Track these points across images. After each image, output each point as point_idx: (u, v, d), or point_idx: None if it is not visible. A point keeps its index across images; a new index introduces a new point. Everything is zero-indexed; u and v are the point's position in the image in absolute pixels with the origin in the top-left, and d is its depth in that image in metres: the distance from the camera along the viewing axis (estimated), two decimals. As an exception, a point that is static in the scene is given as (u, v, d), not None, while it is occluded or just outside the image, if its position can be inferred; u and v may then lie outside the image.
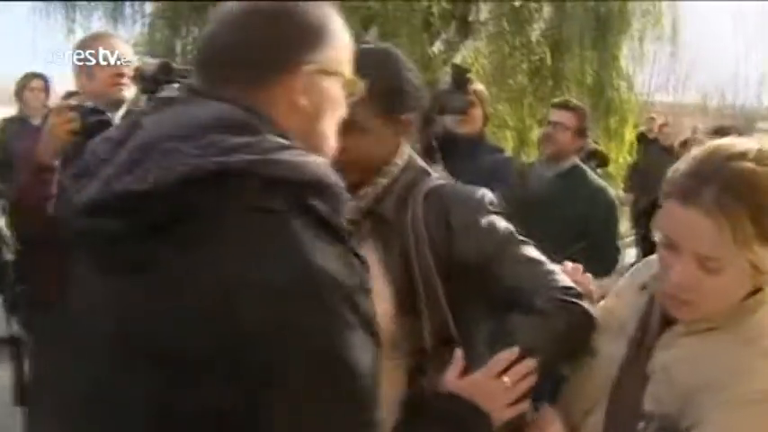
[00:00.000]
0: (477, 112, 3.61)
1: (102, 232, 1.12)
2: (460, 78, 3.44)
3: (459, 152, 3.22)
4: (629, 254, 9.65)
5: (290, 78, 1.21)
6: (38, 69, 6.72)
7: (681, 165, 1.47)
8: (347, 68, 1.30)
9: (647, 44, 11.81)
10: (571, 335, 1.66)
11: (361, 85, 1.34)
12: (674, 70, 17.06)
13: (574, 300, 1.67)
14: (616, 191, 12.28)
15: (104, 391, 1.10)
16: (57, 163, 2.62)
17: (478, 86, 3.69)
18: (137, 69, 2.74)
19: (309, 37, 1.23)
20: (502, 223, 1.74)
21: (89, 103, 2.77)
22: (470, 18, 11.13)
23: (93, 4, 10.74)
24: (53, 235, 2.62)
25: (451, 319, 1.73)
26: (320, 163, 1.16)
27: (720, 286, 1.44)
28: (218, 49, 1.24)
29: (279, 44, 1.21)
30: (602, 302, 1.76)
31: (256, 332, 1.03)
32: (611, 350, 1.61)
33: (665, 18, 11.59)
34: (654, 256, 1.66)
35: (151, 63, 2.70)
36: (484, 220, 1.71)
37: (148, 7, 10.96)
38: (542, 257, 1.74)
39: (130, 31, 10.95)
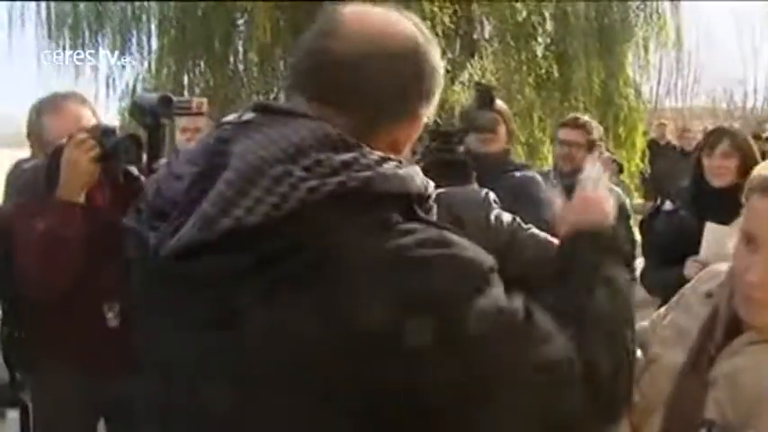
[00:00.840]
0: (502, 130, 3.52)
1: (213, 273, 1.05)
2: (486, 96, 3.41)
3: (485, 171, 3.20)
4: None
5: (408, 125, 1.20)
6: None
7: (764, 165, 1.48)
8: (430, 113, 1.26)
9: (652, 51, 11.84)
10: None
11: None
12: (681, 76, 17.05)
13: None
14: (630, 199, 12.29)
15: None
16: (82, 198, 2.48)
17: (501, 104, 3.62)
18: (134, 103, 2.67)
19: (434, 86, 1.20)
20: (507, 216, 1.84)
21: (102, 124, 2.63)
22: (475, 36, 11.17)
23: (99, 41, 10.84)
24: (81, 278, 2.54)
25: None
26: (419, 173, 1.15)
27: None
28: (339, 77, 1.14)
29: (408, 94, 1.18)
30: (661, 310, 1.76)
31: (438, 338, 1.00)
32: (673, 357, 1.58)
33: (668, 25, 11.62)
34: (717, 266, 1.66)
35: (150, 96, 2.63)
36: (492, 215, 1.82)
37: (155, 42, 11.06)
38: (549, 237, 1.84)
39: (138, 67, 11.07)
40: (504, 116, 3.52)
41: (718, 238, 3.12)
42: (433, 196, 1.18)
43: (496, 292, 1.07)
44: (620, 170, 9.80)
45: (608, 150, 9.52)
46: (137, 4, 10.91)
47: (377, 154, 1.09)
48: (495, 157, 3.41)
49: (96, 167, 2.48)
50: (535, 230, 1.90)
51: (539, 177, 3.49)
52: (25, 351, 2.80)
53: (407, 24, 1.19)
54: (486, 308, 1.04)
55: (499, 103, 3.53)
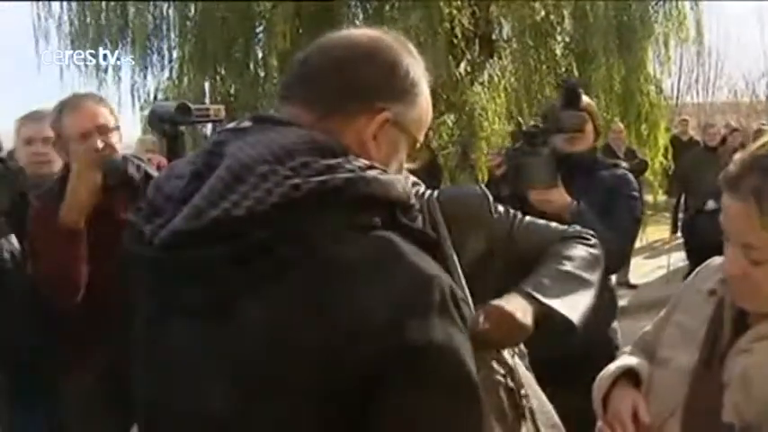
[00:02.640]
0: (590, 129, 3.36)
1: (198, 262, 1.10)
2: (572, 95, 3.29)
3: (573, 171, 3.14)
4: (675, 257, 9.57)
5: (367, 119, 1.23)
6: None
7: (735, 158, 1.48)
8: (419, 133, 1.32)
9: (673, 47, 11.77)
10: (595, 259, 1.93)
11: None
12: (703, 71, 16.92)
13: (587, 236, 1.97)
14: (654, 196, 12.23)
15: None
16: (81, 225, 2.61)
17: (588, 101, 3.47)
18: (152, 112, 2.69)
19: (397, 87, 1.26)
20: (500, 206, 1.96)
21: (110, 160, 2.71)
22: (493, 36, 11.16)
23: (120, 53, 10.93)
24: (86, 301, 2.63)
25: None
26: (404, 182, 1.20)
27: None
28: (305, 74, 1.26)
29: (367, 83, 1.24)
30: (662, 312, 1.75)
31: (385, 342, 1.05)
32: (682, 359, 1.57)
33: (688, 20, 11.55)
34: (715, 261, 1.67)
35: (167, 105, 2.65)
36: (492, 208, 1.89)
37: (176, 52, 11.12)
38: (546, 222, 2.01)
39: (159, 77, 11.15)
40: (591, 114, 3.39)
41: None
42: (417, 205, 1.23)
43: (449, 319, 1.11)
44: (645, 168, 9.76)
45: (629, 148, 9.49)
46: (157, 14, 10.99)
47: (362, 161, 1.15)
48: (584, 157, 3.31)
49: (97, 196, 2.61)
50: (530, 218, 2.00)
51: (630, 176, 3.40)
52: (54, 359, 2.84)
53: (375, 37, 1.29)
54: (438, 329, 1.08)
55: (586, 99, 3.43)
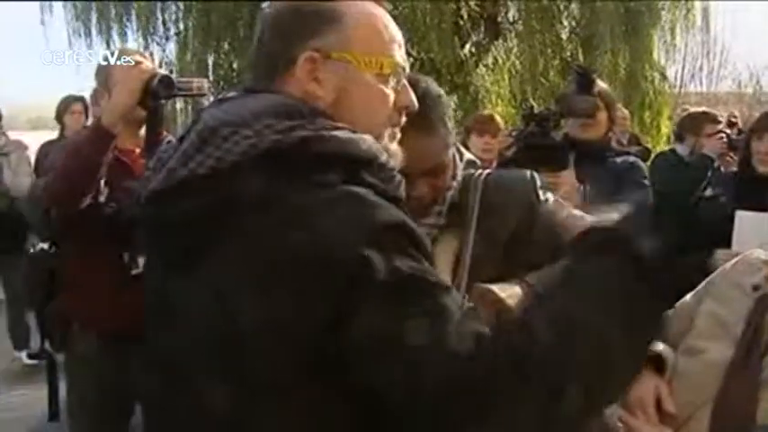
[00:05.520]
0: (602, 116, 3.33)
1: (171, 217, 1.19)
2: (585, 79, 3.28)
3: (583, 157, 3.12)
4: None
5: (295, 68, 1.24)
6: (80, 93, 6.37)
7: None
8: (371, 47, 1.27)
9: (679, 35, 11.72)
10: None
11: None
12: (707, 60, 16.84)
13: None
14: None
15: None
16: (116, 130, 2.48)
17: (604, 88, 3.45)
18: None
19: (310, 20, 1.25)
20: (549, 194, 1.92)
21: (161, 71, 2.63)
22: (499, 19, 11.11)
23: (126, 24, 10.89)
24: (87, 238, 2.61)
25: None
26: (371, 141, 1.20)
27: None
28: (253, 49, 1.34)
29: (280, 37, 1.28)
30: (687, 298, 1.69)
31: (352, 276, 1.05)
32: (716, 352, 1.53)
33: (695, 8, 11.50)
34: (754, 254, 1.62)
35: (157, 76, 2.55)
36: (541, 194, 1.89)
37: (180, 26, 11.08)
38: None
39: (164, 48, 11.12)
40: (607, 103, 3.35)
41: (751, 227, 2.99)
42: (392, 165, 1.22)
43: (396, 254, 1.08)
44: (648, 156, 9.74)
45: (633, 135, 9.48)
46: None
47: (329, 123, 1.18)
48: (595, 144, 3.29)
49: (134, 101, 2.49)
50: (574, 211, 1.95)
51: (640, 163, 3.38)
52: (58, 325, 2.88)
53: None
54: (377, 263, 1.06)
55: (602, 86, 3.39)
